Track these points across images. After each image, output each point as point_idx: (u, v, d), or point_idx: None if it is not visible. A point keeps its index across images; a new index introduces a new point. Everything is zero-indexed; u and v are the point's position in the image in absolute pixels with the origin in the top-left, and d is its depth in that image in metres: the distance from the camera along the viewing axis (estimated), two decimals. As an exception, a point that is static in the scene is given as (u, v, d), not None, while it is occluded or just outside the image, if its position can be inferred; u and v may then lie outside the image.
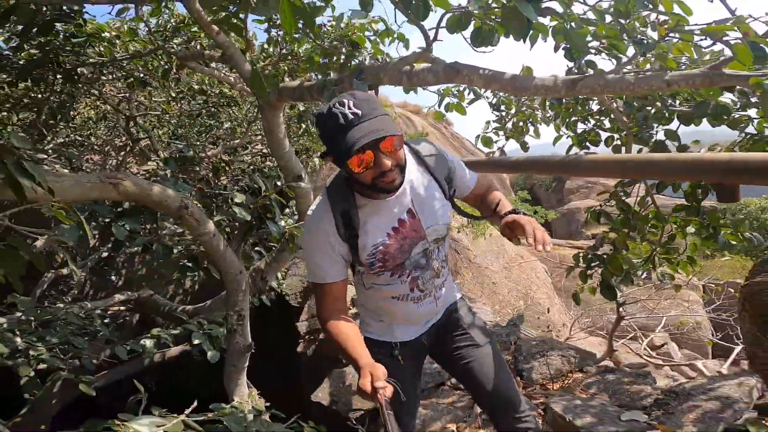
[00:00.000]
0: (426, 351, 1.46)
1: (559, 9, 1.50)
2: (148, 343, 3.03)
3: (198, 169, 3.62)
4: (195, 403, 1.77)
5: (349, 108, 1.05)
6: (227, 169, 3.42)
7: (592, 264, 2.57)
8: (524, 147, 3.25)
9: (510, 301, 6.32)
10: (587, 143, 2.79)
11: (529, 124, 3.11)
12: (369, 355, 1.11)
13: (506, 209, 1.29)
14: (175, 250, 2.30)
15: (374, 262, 1.24)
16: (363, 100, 1.07)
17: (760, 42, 1.35)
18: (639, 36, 1.62)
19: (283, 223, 2.40)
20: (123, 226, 1.94)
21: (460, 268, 5.88)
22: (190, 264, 2.01)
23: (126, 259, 5.33)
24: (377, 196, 1.19)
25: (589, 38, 1.65)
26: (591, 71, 1.83)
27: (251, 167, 4.35)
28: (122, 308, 4.02)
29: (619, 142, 2.65)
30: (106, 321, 3.33)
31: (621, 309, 3.49)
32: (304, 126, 4.47)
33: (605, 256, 2.56)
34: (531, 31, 1.48)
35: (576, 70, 2.02)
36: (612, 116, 2.50)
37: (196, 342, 2.80)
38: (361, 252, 1.22)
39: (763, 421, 1.66)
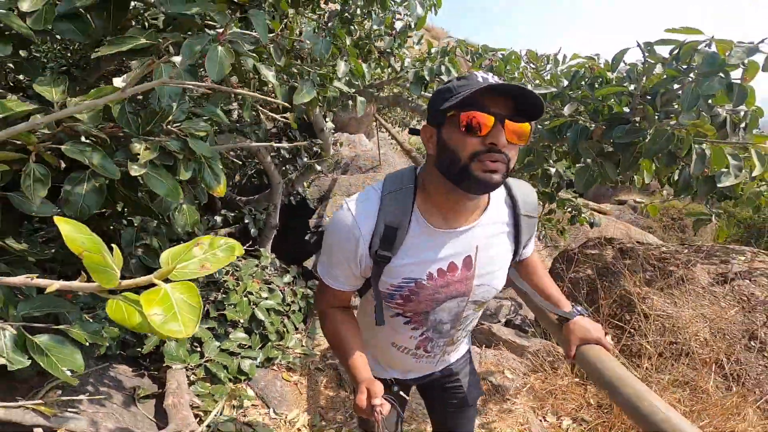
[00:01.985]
0: (413, 386, 1.32)
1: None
2: (218, 219, 5.00)
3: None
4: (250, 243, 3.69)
5: (492, 77, 0.88)
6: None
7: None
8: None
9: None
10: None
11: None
12: (368, 369, 0.99)
13: (563, 307, 1.12)
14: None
15: (395, 295, 1.00)
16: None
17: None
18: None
19: (306, 159, 4.10)
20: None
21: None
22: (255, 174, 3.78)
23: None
24: (454, 200, 0.93)
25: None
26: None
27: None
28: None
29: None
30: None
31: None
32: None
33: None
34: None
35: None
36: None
37: (246, 221, 4.75)
38: (385, 277, 0.98)
39: (503, 331, 3.30)
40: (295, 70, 1.84)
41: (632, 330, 2.60)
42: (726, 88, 1.74)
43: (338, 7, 2.71)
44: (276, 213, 4.47)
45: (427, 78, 2.81)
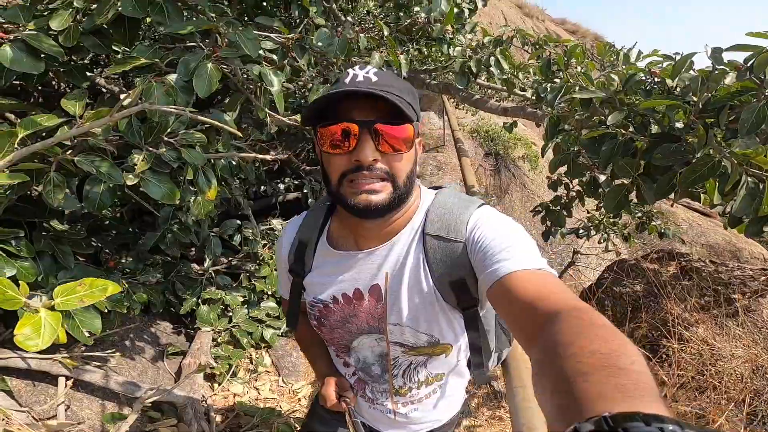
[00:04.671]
0: None
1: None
2: (282, 186, 5.34)
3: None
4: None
5: (366, 72, 0.72)
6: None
7: (541, 213, 3.94)
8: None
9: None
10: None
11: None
12: (333, 368, 1.02)
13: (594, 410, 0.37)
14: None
15: (311, 314, 0.94)
16: (390, 75, 0.75)
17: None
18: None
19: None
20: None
21: (511, 188, 7.13)
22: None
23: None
24: (355, 221, 0.81)
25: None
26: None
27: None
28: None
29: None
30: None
31: (574, 256, 4.74)
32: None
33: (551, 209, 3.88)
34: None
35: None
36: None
37: (305, 191, 5.03)
38: (304, 293, 0.94)
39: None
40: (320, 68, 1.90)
41: (664, 356, 2.40)
42: (807, 108, 1.47)
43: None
44: (330, 187, 4.70)
45: (474, 69, 2.70)
